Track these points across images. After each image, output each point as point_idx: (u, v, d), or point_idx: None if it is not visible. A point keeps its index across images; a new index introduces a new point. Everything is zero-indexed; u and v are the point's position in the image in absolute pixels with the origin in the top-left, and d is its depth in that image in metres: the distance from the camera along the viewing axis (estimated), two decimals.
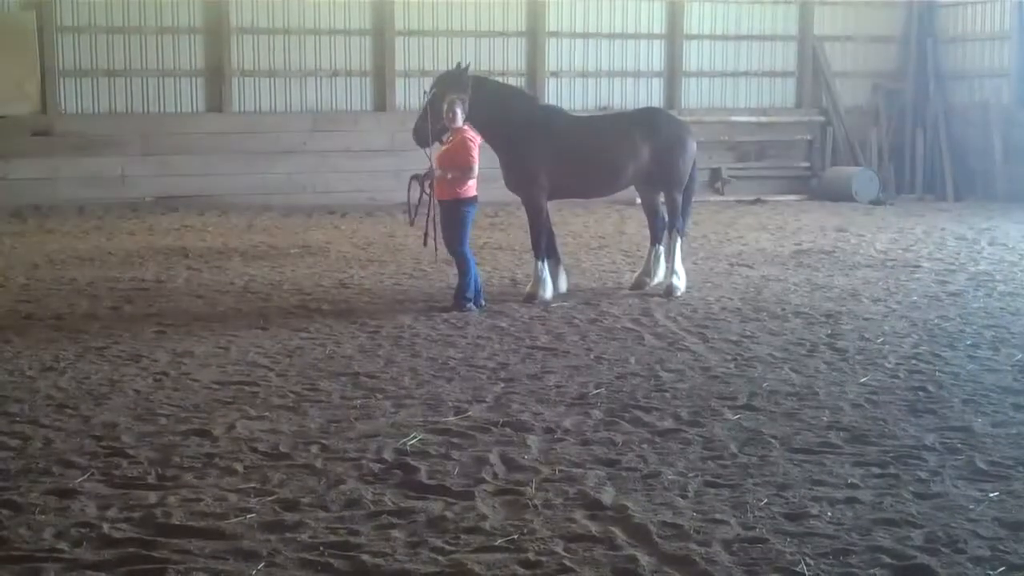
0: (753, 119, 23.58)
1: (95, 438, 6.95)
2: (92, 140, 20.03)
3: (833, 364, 8.97)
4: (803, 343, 9.70)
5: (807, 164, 23.94)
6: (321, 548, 5.29)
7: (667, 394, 8.02)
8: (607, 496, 5.95)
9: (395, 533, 5.47)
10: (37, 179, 19.67)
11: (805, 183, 23.69)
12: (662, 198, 12.34)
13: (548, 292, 11.57)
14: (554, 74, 22.83)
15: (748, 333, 10.09)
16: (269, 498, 5.92)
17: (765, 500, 5.91)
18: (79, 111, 20.26)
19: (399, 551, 5.27)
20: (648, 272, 12.32)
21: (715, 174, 23.05)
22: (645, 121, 12.17)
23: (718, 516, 5.69)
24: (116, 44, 20.50)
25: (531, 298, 11.48)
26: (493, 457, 6.58)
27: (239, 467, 6.41)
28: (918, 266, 13.98)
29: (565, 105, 22.57)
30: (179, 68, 20.94)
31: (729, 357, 9.17)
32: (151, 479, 6.24)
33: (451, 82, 11.40)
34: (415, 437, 6.95)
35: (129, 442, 6.87)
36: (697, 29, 23.55)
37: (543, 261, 11.60)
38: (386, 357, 9.16)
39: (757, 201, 22.06)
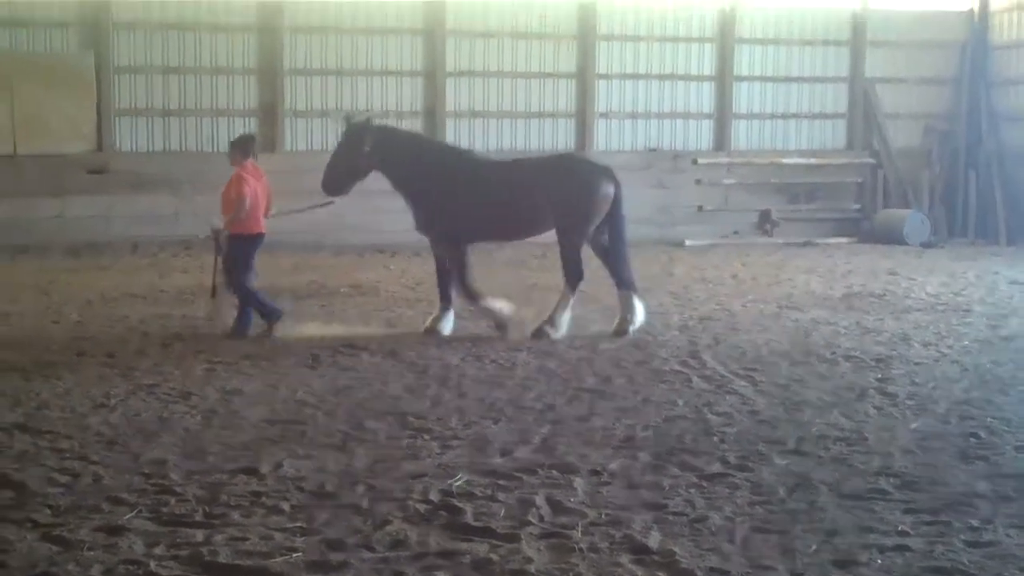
0: (803, 161, 23.49)
1: (144, 475, 7.00)
2: (146, 178, 20.28)
3: (883, 409, 8.87)
4: (853, 387, 9.61)
5: (858, 206, 23.77)
6: None
7: (715, 438, 7.97)
8: (654, 540, 5.91)
9: (440, 575, 5.46)
10: (92, 216, 19.93)
11: (856, 225, 23.52)
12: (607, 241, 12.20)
13: (447, 329, 11.86)
14: (604, 115, 22.91)
15: (797, 377, 10.02)
16: (315, 537, 5.94)
17: (814, 547, 5.85)
18: (134, 149, 20.56)
19: None
20: (627, 317, 12.01)
21: (764, 216, 22.96)
22: (552, 167, 12.30)
23: (766, 562, 5.64)
24: (171, 84, 20.82)
25: (429, 332, 11.80)
26: (539, 499, 6.56)
27: (286, 506, 6.43)
28: (969, 310, 13.83)
29: (614, 146, 22.86)
30: (233, 108, 21.21)
31: (778, 401, 9.10)
32: (198, 517, 6.27)
33: (358, 131, 12.00)
34: (461, 478, 6.94)
35: (177, 479, 6.92)
36: (747, 71, 23.54)
37: (480, 299, 11.90)
38: (433, 397, 9.17)
39: (807, 244, 21.94)
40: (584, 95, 22.68)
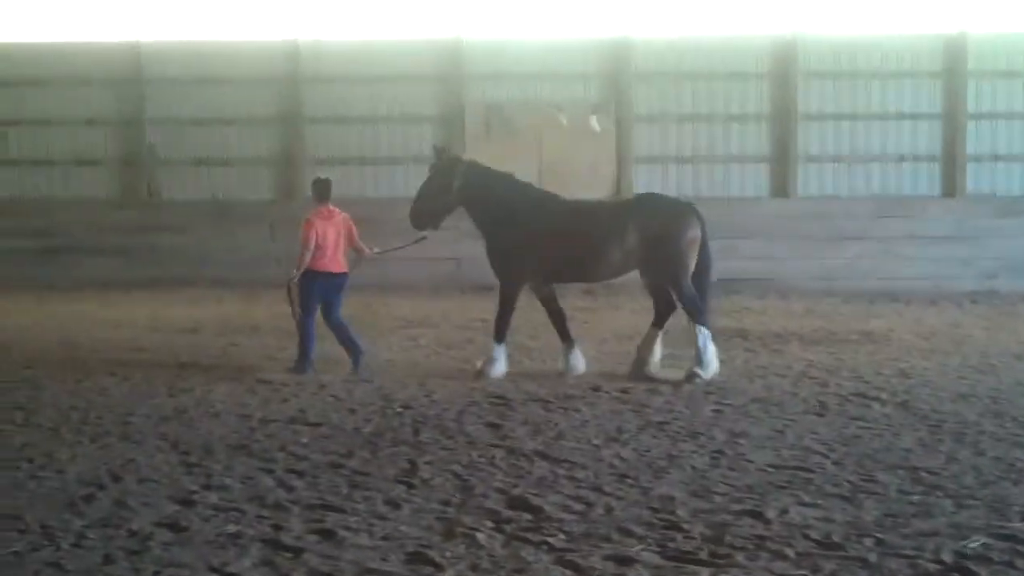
0: None
1: (652, 509, 7.20)
2: None
3: None
4: None
5: None
6: None
7: None
8: None
9: None
10: None
11: None
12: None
13: (498, 372, 11.86)
14: None
15: None
16: None
17: None
18: None
19: None
20: (645, 354, 11.95)
21: None
22: (637, 208, 11.88)
23: None
24: (685, 132, 21.51)
25: (479, 376, 11.77)
26: None
27: (791, 553, 6.38)
28: None
29: None
30: (745, 154, 21.51)
31: None
32: (703, 555, 6.35)
33: (448, 166, 12.04)
34: (977, 541, 6.58)
35: (684, 516, 7.05)
36: None
37: (501, 344, 11.93)
38: (948, 453, 8.75)
39: None
40: None
